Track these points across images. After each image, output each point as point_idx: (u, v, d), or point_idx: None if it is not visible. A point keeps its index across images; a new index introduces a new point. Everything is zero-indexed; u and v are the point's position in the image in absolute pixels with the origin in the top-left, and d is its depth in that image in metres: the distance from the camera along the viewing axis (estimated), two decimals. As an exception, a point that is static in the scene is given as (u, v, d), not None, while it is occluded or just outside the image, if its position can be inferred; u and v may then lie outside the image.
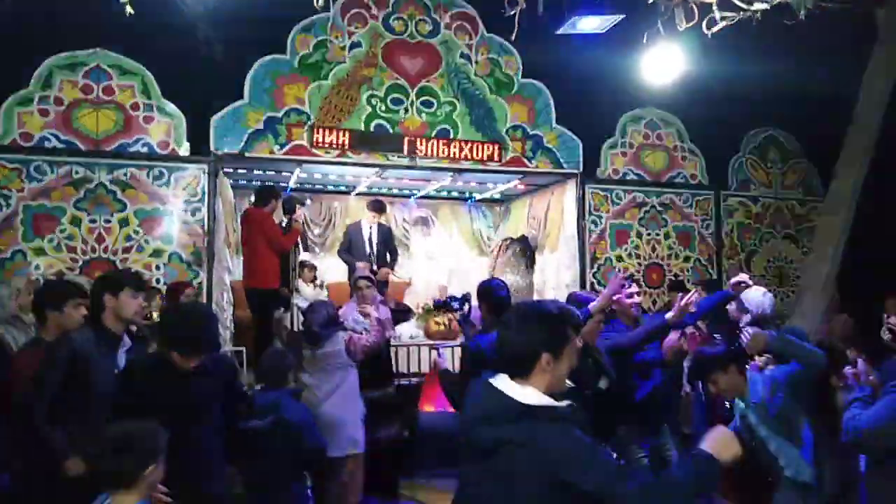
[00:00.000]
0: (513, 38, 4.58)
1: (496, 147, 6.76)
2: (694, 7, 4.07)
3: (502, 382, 1.89)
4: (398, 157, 6.48)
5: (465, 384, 3.62)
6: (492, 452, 1.82)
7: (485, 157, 6.73)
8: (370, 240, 7.22)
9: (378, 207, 7.31)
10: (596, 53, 6.64)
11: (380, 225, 7.38)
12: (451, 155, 6.61)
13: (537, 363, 1.87)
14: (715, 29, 4.28)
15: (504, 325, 1.97)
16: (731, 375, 3.31)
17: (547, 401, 1.85)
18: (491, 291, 3.85)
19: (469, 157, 6.67)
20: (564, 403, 1.87)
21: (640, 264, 7.36)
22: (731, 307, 6.00)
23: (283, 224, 6.78)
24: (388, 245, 7.37)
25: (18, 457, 3.08)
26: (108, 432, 2.35)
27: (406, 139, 6.44)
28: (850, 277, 7.19)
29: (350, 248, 7.20)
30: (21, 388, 3.06)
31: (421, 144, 6.47)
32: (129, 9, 3.53)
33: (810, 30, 6.28)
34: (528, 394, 1.84)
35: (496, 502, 1.83)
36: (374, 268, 6.89)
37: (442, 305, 4.67)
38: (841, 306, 6.97)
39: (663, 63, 5.01)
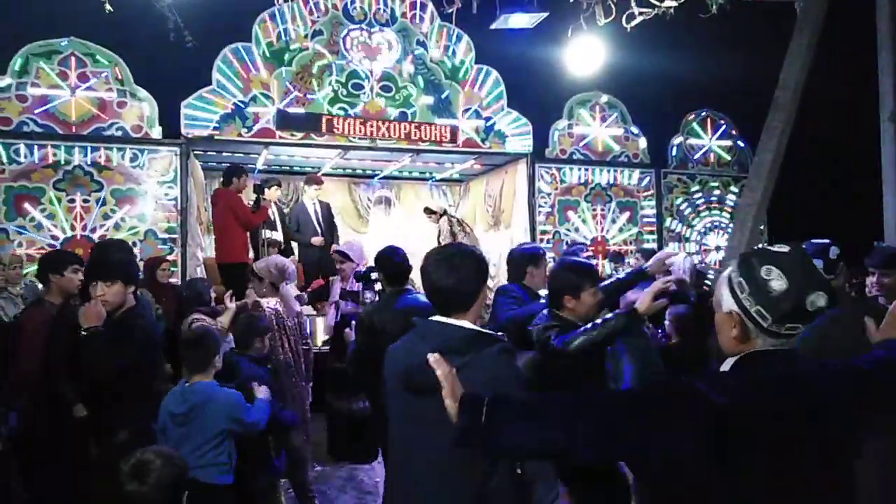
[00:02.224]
0: (452, 27, 4.92)
1: (450, 129, 7.26)
2: (612, 4, 4.58)
3: (447, 320, 2.03)
4: (359, 138, 6.93)
5: (361, 357, 3.55)
6: None
7: (440, 139, 7.22)
8: (316, 216, 7.67)
9: (318, 180, 7.77)
10: (543, 42, 7.20)
11: (321, 202, 7.84)
12: (410, 135, 7.09)
13: (478, 296, 2.05)
14: (634, 23, 4.80)
15: (439, 267, 2.04)
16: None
17: (489, 331, 2.05)
18: (389, 259, 3.75)
19: (425, 138, 7.16)
20: (499, 334, 2.09)
21: (585, 238, 7.96)
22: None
23: (253, 203, 7.21)
24: (330, 220, 7.85)
25: (25, 399, 3.55)
26: (186, 333, 3.26)
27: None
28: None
29: (299, 228, 7.64)
30: (28, 342, 3.52)
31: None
32: (107, 6, 3.91)
33: (738, 19, 6.90)
34: (470, 325, 2.02)
35: (446, 434, 1.92)
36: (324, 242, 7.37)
37: (362, 276, 4.62)
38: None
39: (591, 53, 5.52)
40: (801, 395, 1.44)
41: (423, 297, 3.55)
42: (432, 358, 1.69)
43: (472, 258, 2.07)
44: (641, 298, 2.77)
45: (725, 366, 1.55)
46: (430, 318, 2.07)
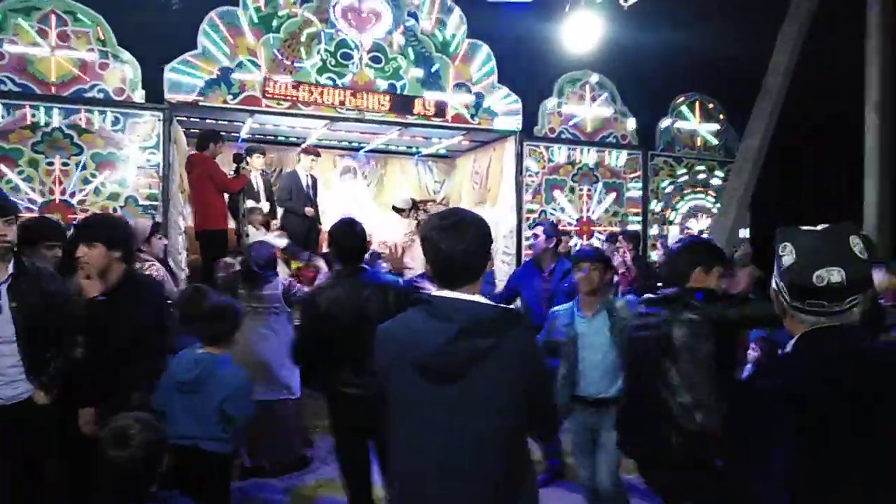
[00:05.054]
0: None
1: (439, 104, 7.17)
2: (610, -19, 4.53)
3: (464, 296, 1.91)
4: (346, 109, 6.83)
5: (308, 344, 3.28)
6: (473, 363, 1.79)
7: (429, 113, 7.14)
8: (307, 188, 7.62)
9: (316, 152, 7.75)
10: (536, 18, 7.12)
11: (311, 175, 7.79)
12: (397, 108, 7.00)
13: (486, 267, 2.00)
14: (631, 1, 4.75)
15: (446, 234, 1.90)
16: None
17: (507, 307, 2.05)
18: (343, 232, 3.29)
19: (412, 112, 7.07)
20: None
21: (571, 217, 7.97)
22: (659, 252, 6.64)
23: (234, 171, 7.09)
24: (315, 194, 7.83)
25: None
26: (207, 304, 3.20)
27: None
28: (756, 230, 7.95)
29: (290, 197, 7.58)
30: None
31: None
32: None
33: (734, 2, 6.88)
34: (487, 301, 1.93)
35: (480, 412, 1.82)
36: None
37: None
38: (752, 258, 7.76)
39: (586, 29, 5.47)
40: (860, 372, 1.39)
41: (385, 275, 3.54)
42: None
43: (478, 226, 1.95)
44: None
45: (788, 346, 1.55)
46: (441, 294, 1.91)
